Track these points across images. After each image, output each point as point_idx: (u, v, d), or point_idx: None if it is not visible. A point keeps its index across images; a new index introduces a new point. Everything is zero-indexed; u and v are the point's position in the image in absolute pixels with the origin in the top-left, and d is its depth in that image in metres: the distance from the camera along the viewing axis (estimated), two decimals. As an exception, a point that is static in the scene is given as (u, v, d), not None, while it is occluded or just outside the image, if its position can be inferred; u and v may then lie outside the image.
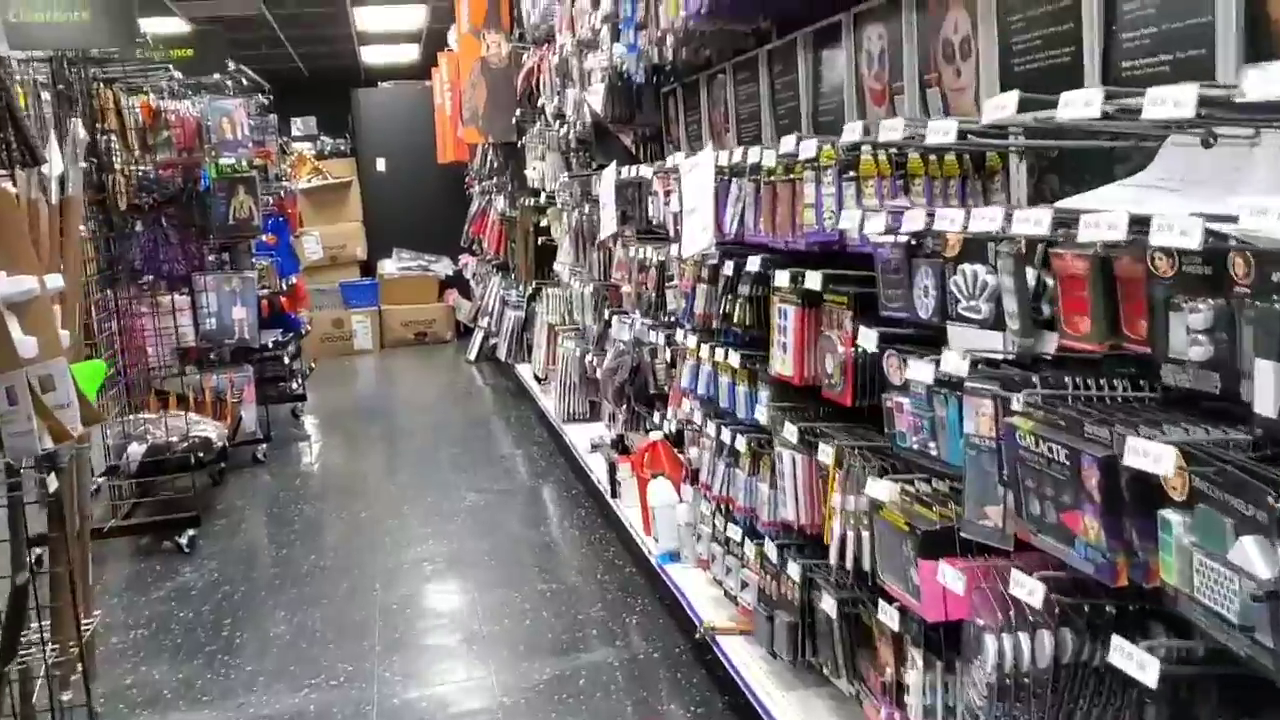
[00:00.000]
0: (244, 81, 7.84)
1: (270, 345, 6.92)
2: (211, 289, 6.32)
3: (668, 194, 3.51)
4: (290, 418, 7.69)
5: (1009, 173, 2.15)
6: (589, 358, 5.19)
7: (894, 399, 2.06)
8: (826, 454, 2.25)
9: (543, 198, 6.66)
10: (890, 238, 2.00)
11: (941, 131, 1.69)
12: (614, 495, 4.56)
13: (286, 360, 7.14)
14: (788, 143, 2.34)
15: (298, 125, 14.60)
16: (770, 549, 2.73)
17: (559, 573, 4.40)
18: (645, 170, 3.81)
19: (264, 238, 7.00)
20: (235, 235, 6.42)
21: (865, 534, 2.18)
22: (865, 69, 2.67)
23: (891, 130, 1.83)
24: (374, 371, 10.06)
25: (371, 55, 12.87)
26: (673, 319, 3.59)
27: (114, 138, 5.41)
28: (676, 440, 4.04)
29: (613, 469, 4.51)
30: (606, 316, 4.74)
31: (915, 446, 2.02)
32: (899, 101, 2.52)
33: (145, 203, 6.19)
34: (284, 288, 7.30)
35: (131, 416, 5.14)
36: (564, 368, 6.00)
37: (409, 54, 12.90)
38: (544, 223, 7.02)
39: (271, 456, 6.65)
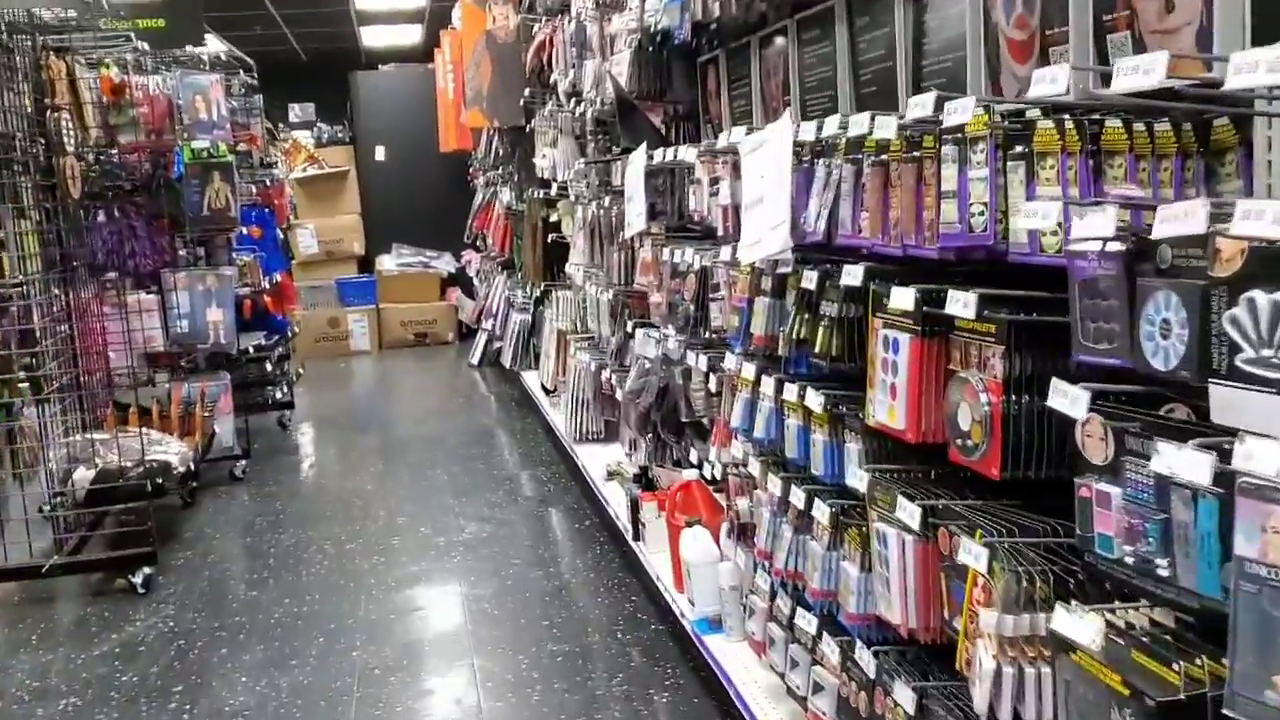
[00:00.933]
0: (222, 57, 7.16)
1: (251, 350, 6.24)
2: (183, 287, 5.65)
3: (715, 182, 2.83)
4: (277, 428, 7.02)
5: (1251, 149, 1.47)
6: (607, 374, 4.51)
7: (1095, 485, 1.38)
8: (973, 555, 1.57)
9: (557, 190, 5.97)
10: (1096, 244, 1.31)
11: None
12: (636, 537, 3.88)
13: (270, 366, 6.46)
14: (920, 104, 1.65)
15: (295, 111, 13.93)
16: (863, 655, 2.05)
17: (572, 630, 3.72)
18: (685, 153, 3.12)
19: (245, 230, 6.32)
20: (210, 228, 5.74)
21: (1034, 672, 1.50)
22: (1002, 14, 1.98)
23: (1146, 71, 1.15)
24: (370, 375, 9.39)
25: (372, 37, 12.20)
26: (719, 338, 2.91)
27: (67, 115, 4.74)
28: (713, 478, 3.36)
29: (635, 507, 3.83)
30: (629, 328, 4.06)
31: (1130, 560, 1.34)
32: (1055, 55, 1.83)
33: (108, 190, 5.53)
34: (269, 286, 6.62)
35: (79, 437, 4.46)
36: (576, 381, 5.31)
37: (411, 35, 12.22)
38: (554, 217, 6.34)
39: (252, 473, 5.98)
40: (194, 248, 6.02)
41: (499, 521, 4.96)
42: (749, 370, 2.51)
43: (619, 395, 4.22)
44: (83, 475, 4.27)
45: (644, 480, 3.94)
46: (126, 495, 4.28)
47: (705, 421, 3.33)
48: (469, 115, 6.63)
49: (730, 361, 2.64)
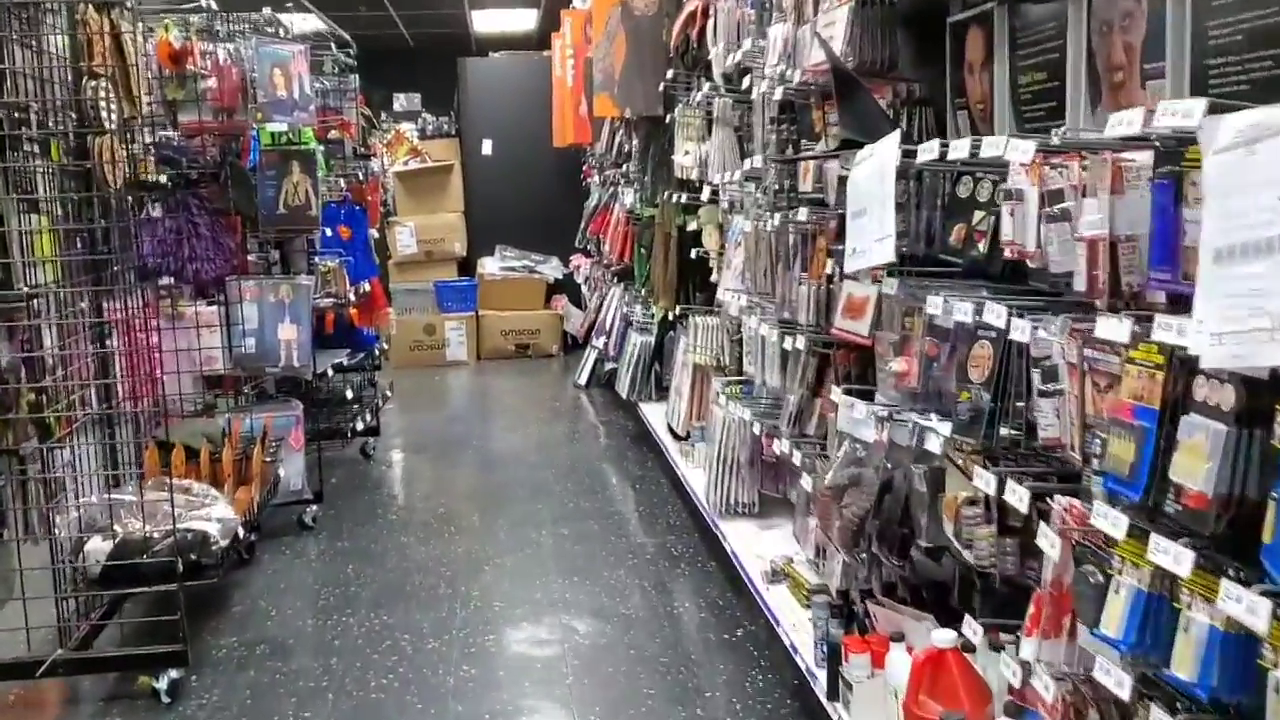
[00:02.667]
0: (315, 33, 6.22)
1: (330, 373, 5.26)
2: (251, 298, 4.70)
3: (1052, 198, 1.68)
4: (358, 457, 6.06)
5: None
6: (782, 444, 3.37)
7: None
8: None
9: (708, 195, 4.84)
10: None
11: None
12: (833, 696, 2.73)
13: (351, 393, 5.48)
14: None
15: (400, 101, 13.17)
16: None
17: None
18: (994, 147, 1.95)
19: (329, 231, 5.36)
20: (286, 228, 4.78)
21: None
22: None
23: None
24: (466, 392, 8.40)
25: (484, 21, 11.27)
26: (1032, 449, 1.75)
27: (107, 85, 3.79)
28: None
29: (835, 655, 2.69)
30: (832, 392, 2.92)
31: None
32: None
33: (170, 180, 4.60)
34: (356, 296, 5.65)
35: (93, 497, 3.48)
36: (722, 438, 4.19)
37: (526, 21, 11.26)
38: (694, 226, 5.23)
39: (324, 520, 5.01)
40: (268, 251, 5.06)
41: (622, 620, 3.86)
42: (1165, 553, 1.34)
43: (807, 482, 3.08)
44: (97, 547, 3.29)
45: (845, 612, 2.79)
46: (151, 576, 3.29)
47: (961, 552, 2.17)
48: (598, 102, 5.56)
49: (1105, 519, 1.48)
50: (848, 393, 2.70)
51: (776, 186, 3.38)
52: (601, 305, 8.33)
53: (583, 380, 8.25)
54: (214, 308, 4.69)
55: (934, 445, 2.22)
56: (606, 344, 7.55)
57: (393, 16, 10.83)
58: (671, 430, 5.44)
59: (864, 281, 2.69)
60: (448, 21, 11.21)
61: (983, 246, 2.34)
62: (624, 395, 6.49)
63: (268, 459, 4.45)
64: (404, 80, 12.90)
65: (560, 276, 9.86)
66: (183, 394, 4.53)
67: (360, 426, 5.60)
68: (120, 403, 4.01)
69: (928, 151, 2.14)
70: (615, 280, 7.88)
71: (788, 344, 3.22)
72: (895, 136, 2.10)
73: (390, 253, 9.78)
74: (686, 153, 4.95)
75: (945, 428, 2.18)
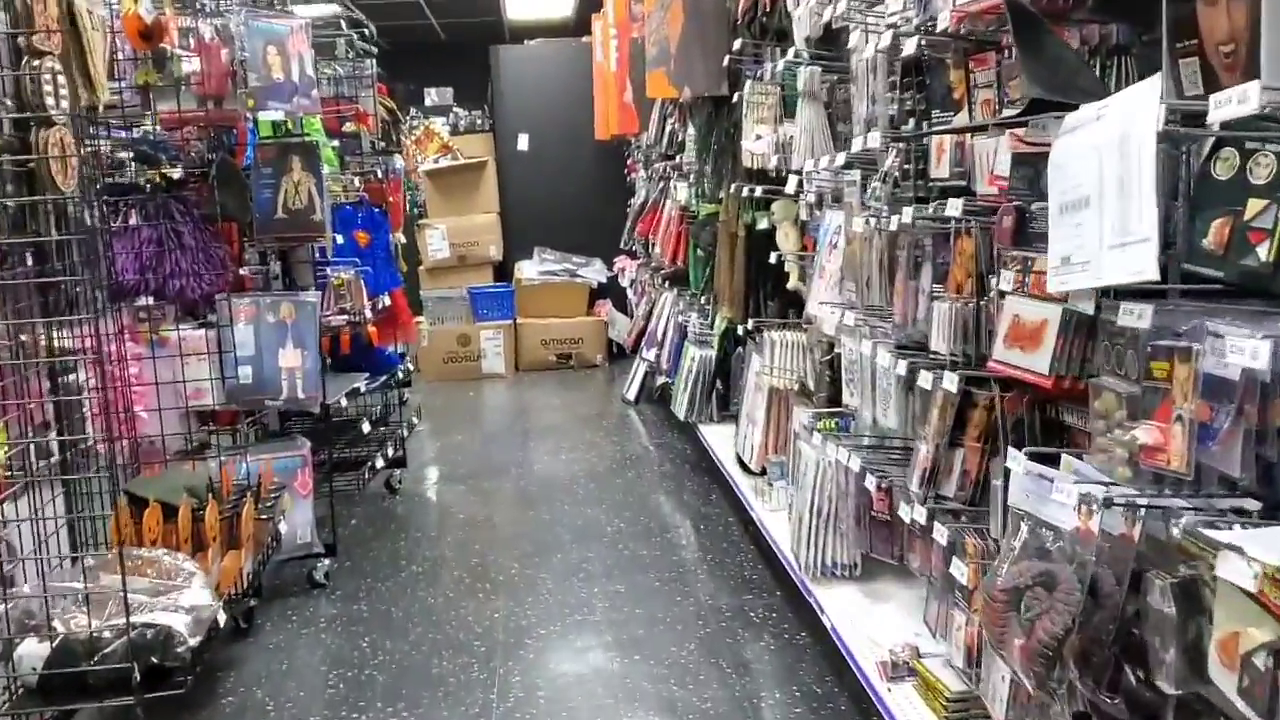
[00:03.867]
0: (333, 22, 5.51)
1: (345, 401, 4.53)
2: (246, 319, 3.98)
3: None
4: (381, 490, 5.35)
5: None
6: (912, 510, 2.57)
7: None
8: None
9: (791, 184, 4.04)
10: None
11: None
12: None
13: (368, 425, 4.76)
14: None
15: (432, 96, 12.52)
16: None
17: None
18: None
19: (339, 239, 4.64)
20: (285, 236, 4.06)
21: None
22: None
23: None
24: (504, 410, 7.66)
25: (519, 8, 10.54)
26: None
27: (54, 65, 3.07)
28: None
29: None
30: (966, 435, 2.13)
31: None
32: None
33: (148, 181, 3.90)
34: (374, 311, 4.93)
35: (26, 587, 2.76)
36: (816, 482, 3.40)
37: (562, 6, 10.51)
38: (765, 224, 4.45)
39: (339, 574, 4.29)
40: (269, 263, 4.35)
41: (700, 717, 3.09)
42: None
43: (960, 571, 2.29)
44: (32, 651, 2.58)
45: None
46: (102, 685, 2.57)
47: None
48: (649, 81, 4.78)
49: None
50: (1035, 457, 1.91)
51: (899, 173, 2.58)
52: (651, 313, 7.57)
53: (631, 395, 7.50)
54: (203, 331, 3.97)
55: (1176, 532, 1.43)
56: (658, 357, 6.78)
57: (421, 4, 10.14)
58: (741, 462, 4.66)
59: (1038, 299, 1.90)
60: (479, 8, 10.49)
61: (1265, 251, 1.54)
62: (681, 416, 5.71)
63: (263, 515, 3.72)
64: (435, 74, 12.24)
65: (604, 280, 9.13)
66: (165, 435, 3.82)
67: (380, 464, 4.87)
68: (83, 452, 3.31)
69: (1225, 106, 1.34)
70: (666, 285, 7.11)
71: (920, 379, 2.42)
72: (1152, 86, 1.32)
73: (420, 257, 9.10)
74: (758, 137, 4.16)
75: (1236, 536, 1.39)
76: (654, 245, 6.87)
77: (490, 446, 6.43)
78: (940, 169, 2.47)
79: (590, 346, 8.95)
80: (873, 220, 2.71)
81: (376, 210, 5.30)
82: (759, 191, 4.31)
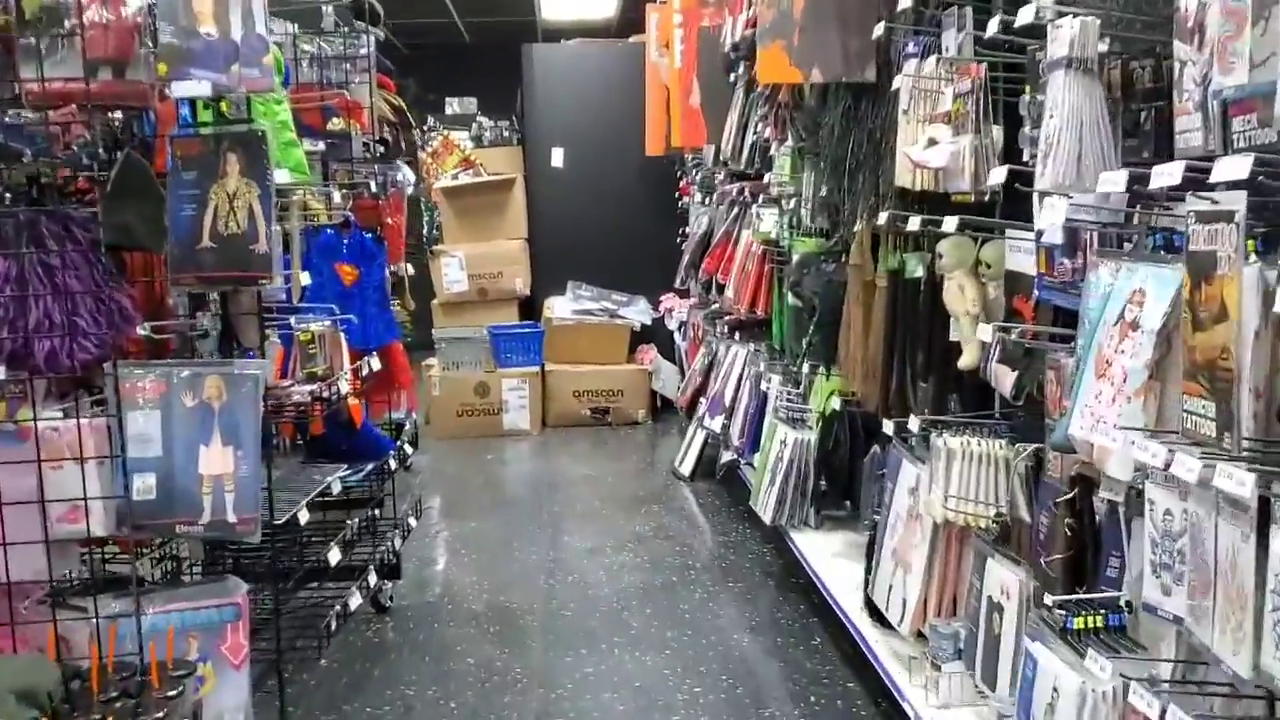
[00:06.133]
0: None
1: (305, 517, 3.12)
2: (149, 401, 2.61)
3: None
4: (370, 610, 3.95)
5: None
6: None
7: None
8: None
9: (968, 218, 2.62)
10: None
11: None
12: None
13: (339, 552, 3.34)
14: None
15: (453, 105, 11.30)
16: None
17: None
18: None
19: (304, 279, 3.26)
20: (210, 275, 2.67)
21: None
22: None
23: None
24: (528, 485, 6.23)
25: (555, 7, 9.25)
26: None
27: None
28: None
29: None
30: None
31: None
32: None
33: (5, 189, 2.55)
34: (358, 377, 3.54)
35: None
36: (1057, 705, 1.96)
37: (604, 7, 9.21)
38: (920, 270, 3.05)
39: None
40: (204, 315, 2.98)
41: None
42: None
43: None
44: None
45: None
46: None
47: None
48: (762, 59, 3.34)
49: None
50: None
51: None
52: (711, 368, 6.17)
53: (686, 469, 6.08)
54: (89, 421, 2.60)
55: None
56: (727, 428, 5.36)
57: (446, 3, 8.85)
58: (876, 611, 3.23)
59: None
60: (510, 7, 9.21)
61: None
62: (766, 518, 4.28)
63: (159, 714, 2.32)
64: (458, 82, 11.03)
65: (648, 322, 7.73)
66: (13, 583, 2.44)
67: (356, 602, 3.43)
68: None
69: None
70: (733, 335, 5.71)
71: None
72: None
73: (434, 291, 7.74)
74: (932, 143, 2.76)
75: None
76: (727, 287, 5.46)
77: (512, 541, 5.00)
78: None
79: (631, 400, 7.54)
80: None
81: (368, 236, 3.92)
82: (914, 225, 2.89)
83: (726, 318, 5.92)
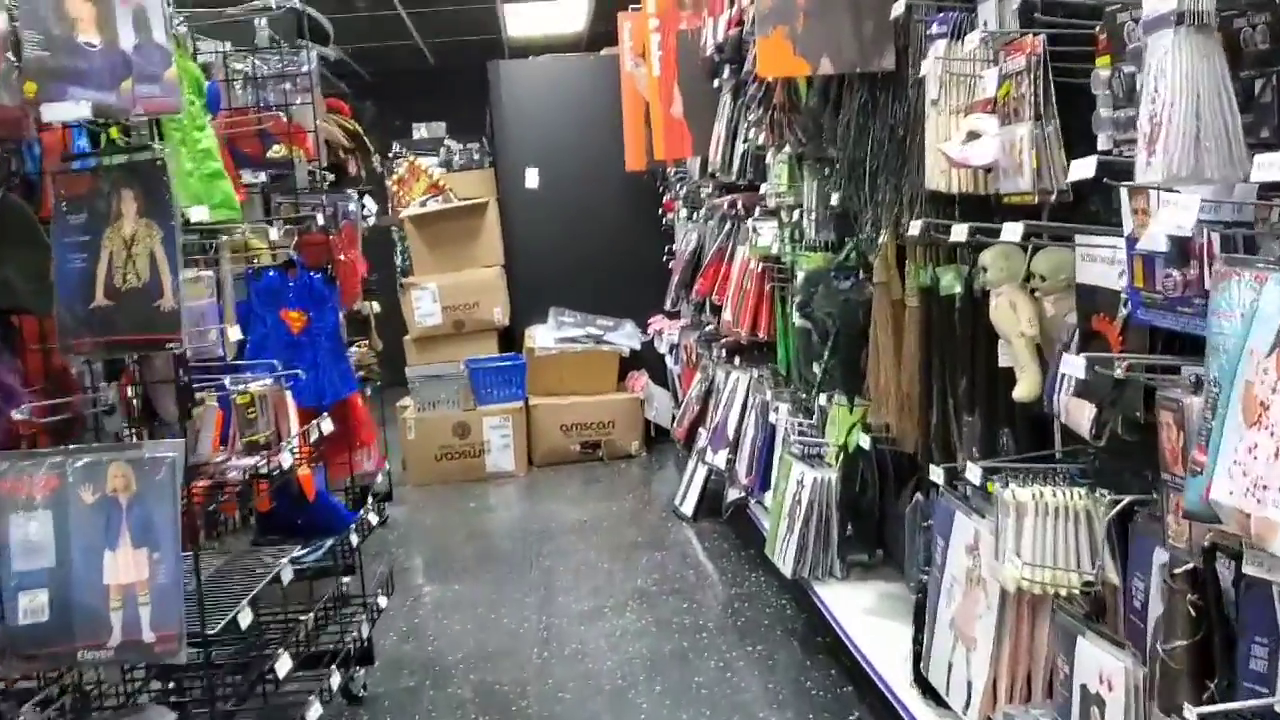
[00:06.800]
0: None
1: (249, 618, 2.61)
2: (36, 499, 2.10)
3: None
4: (340, 698, 3.43)
5: None
6: None
7: None
8: None
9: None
10: None
11: None
12: None
13: (290, 655, 2.83)
14: None
15: (420, 131, 10.79)
16: None
17: None
18: None
19: (233, 334, 2.77)
20: (107, 339, 2.18)
21: None
22: None
23: None
24: (514, 535, 5.70)
25: (521, 24, 8.81)
26: None
27: None
28: None
29: None
30: None
31: None
32: None
33: None
34: (308, 442, 3.05)
35: None
36: None
37: (573, 20, 8.77)
38: (954, 288, 2.59)
39: None
40: (110, 387, 2.49)
41: None
42: None
43: None
44: None
45: None
46: None
47: None
48: (761, 49, 2.85)
49: None
50: None
51: None
52: (709, 395, 5.70)
53: (688, 508, 5.59)
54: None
55: None
56: (732, 464, 4.88)
57: (405, 21, 8.39)
58: (929, 688, 2.74)
59: None
60: (474, 24, 8.75)
61: None
62: (786, 571, 3.80)
63: None
64: (424, 107, 10.56)
65: (637, 346, 7.25)
66: None
67: (311, 718, 2.91)
68: None
69: None
70: (732, 360, 5.25)
71: None
72: None
73: (406, 326, 7.26)
74: (971, 136, 2.30)
75: None
76: (722, 309, 5.00)
77: (500, 606, 4.50)
78: None
79: (624, 432, 7.05)
80: None
81: (317, 276, 3.43)
82: (959, 234, 2.42)
83: (723, 340, 5.46)
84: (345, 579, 3.54)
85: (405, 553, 5.33)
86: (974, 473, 2.38)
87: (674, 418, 6.86)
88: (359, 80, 10.05)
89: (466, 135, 9.01)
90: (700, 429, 5.67)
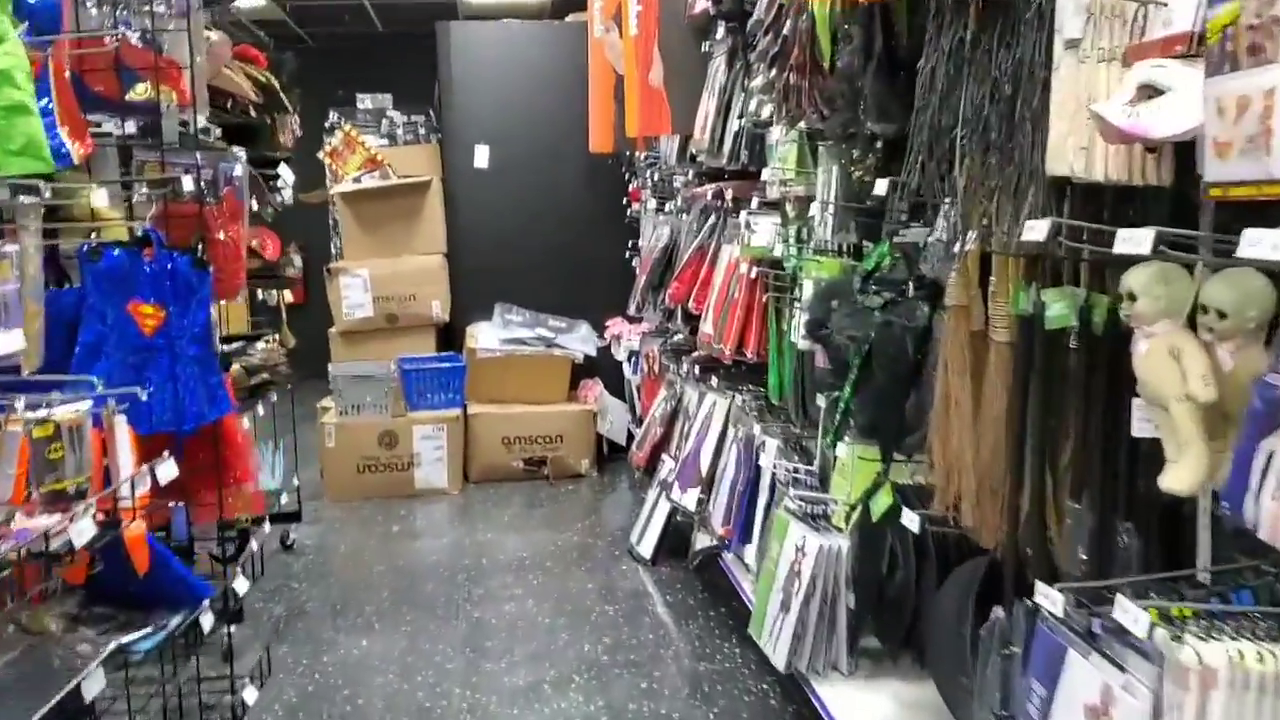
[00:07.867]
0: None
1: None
2: None
3: None
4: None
5: None
6: None
7: None
8: None
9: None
10: None
11: None
12: None
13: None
14: None
15: (365, 102, 9.89)
16: None
17: None
18: None
19: (13, 343, 1.90)
20: None
21: None
22: None
23: None
24: (439, 571, 4.83)
25: (477, -17, 7.93)
26: None
27: None
28: None
29: None
30: None
31: None
32: None
33: None
34: (148, 491, 2.17)
35: None
36: None
37: (537, -18, 7.91)
38: (1071, 318, 1.79)
39: None
40: None
41: None
42: None
43: None
44: None
45: None
46: None
47: None
48: None
49: None
50: None
51: None
52: (676, 417, 4.90)
53: (645, 549, 4.78)
54: None
55: None
56: (704, 505, 4.08)
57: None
58: None
59: None
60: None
61: None
62: (780, 665, 2.99)
63: None
64: (371, 78, 9.69)
65: (592, 352, 6.43)
66: None
67: None
68: None
69: None
70: (707, 379, 4.45)
71: None
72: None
73: (332, 317, 6.37)
74: (1148, 94, 1.51)
75: None
76: (701, 319, 4.18)
77: (414, 670, 3.64)
78: None
79: (573, 448, 6.23)
80: None
81: (181, 259, 2.55)
82: (1134, 243, 1.63)
83: (695, 354, 4.66)
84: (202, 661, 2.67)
85: (309, 590, 4.46)
86: (1131, 614, 1.57)
87: (630, 435, 6.06)
88: (302, 45, 9.15)
89: (414, 107, 8.15)
90: (664, 455, 4.86)
